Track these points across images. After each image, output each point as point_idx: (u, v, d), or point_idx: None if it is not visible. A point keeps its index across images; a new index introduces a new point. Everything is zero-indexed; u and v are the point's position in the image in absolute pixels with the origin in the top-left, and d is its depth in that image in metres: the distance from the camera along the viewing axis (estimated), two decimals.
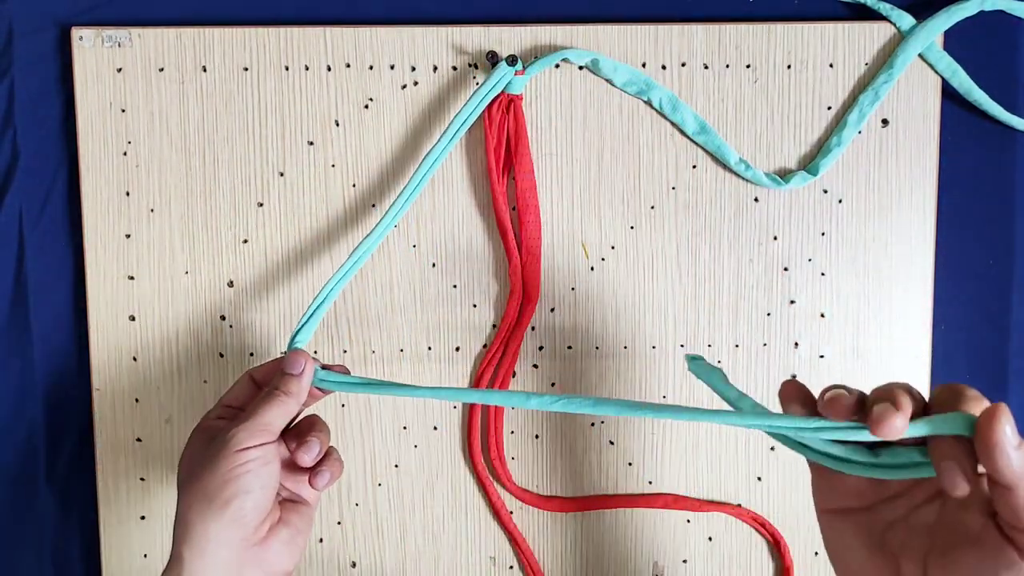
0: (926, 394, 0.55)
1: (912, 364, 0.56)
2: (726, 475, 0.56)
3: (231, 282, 0.55)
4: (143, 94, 0.54)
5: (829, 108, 0.54)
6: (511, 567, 0.57)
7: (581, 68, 0.54)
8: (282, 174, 0.54)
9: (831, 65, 0.54)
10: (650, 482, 0.56)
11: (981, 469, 0.33)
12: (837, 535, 0.39)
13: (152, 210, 0.54)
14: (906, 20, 0.53)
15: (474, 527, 0.57)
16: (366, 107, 0.54)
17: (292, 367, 0.46)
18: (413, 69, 0.54)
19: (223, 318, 0.55)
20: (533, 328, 0.55)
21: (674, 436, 0.56)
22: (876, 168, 0.55)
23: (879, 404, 0.34)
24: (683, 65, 0.54)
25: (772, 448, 0.56)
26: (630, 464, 0.56)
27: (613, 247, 0.55)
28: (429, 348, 0.55)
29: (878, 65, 0.54)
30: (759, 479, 0.56)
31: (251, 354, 0.55)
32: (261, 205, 0.54)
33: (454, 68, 0.54)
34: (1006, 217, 0.57)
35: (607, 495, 0.56)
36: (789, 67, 0.54)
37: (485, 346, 0.55)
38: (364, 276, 0.55)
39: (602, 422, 0.56)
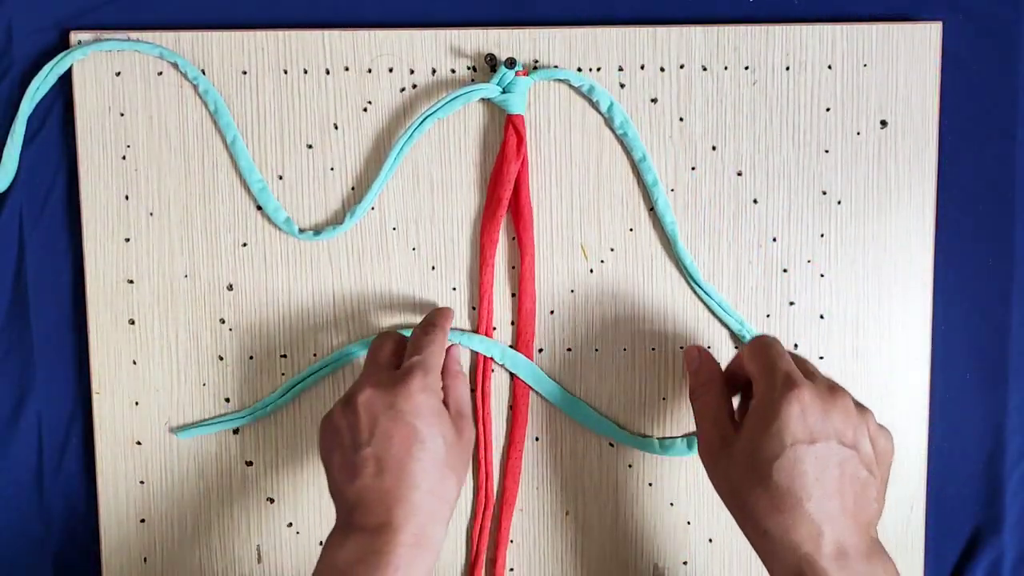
0: (924, 394, 0.55)
1: (912, 364, 0.56)
2: None
3: (230, 285, 0.55)
4: (142, 98, 0.54)
5: (828, 110, 0.54)
6: (511, 569, 0.57)
7: (579, 69, 0.54)
8: (281, 177, 0.54)
9: (830, 67, 0.54)
10: (650, 484, 0.56)
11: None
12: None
13: (151, 214, 0.54)
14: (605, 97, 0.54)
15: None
16: (365, 110, 0.54)
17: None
18: (412, 72, 0.54)
19: (222, 321, 0.55)
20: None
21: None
22: (875, 169, 0.55)
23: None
24: (681, 67, 0.54)
25: None
26: (630, 466, 0.56)
27: (612, 249, 0.55)
28: None
29: (877, 67, 0.54)
30: None
31: (251, 357, 0.55)
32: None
33: (453, 71, 0.54)
34: (1006, 217, 0.56)
35: None
36: (788, 69, 0.54)
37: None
38: (364, 276, 0.55)
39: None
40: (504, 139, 0.53)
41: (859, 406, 0.45)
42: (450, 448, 0.46)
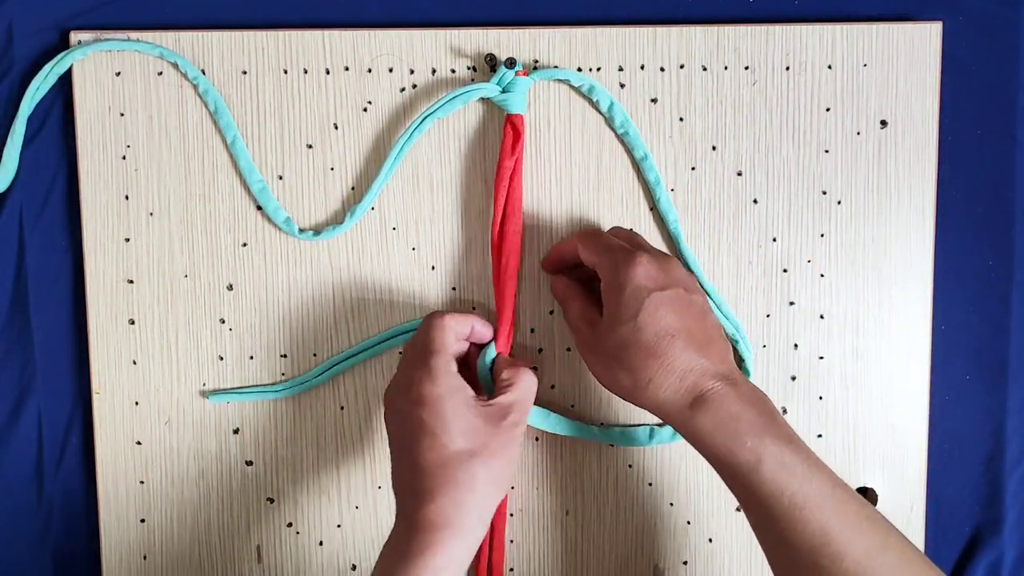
0: (924, 395, 0.55)
1: (912, 365, 0.56)
2: None
3: (230, 285, 0.55)
4: (142, 98, 0.54)
5: (828, 110, 0.54)
6: (511, 569, 0.57)
7: (579, 69, 0.54)
8: (281, 177, 0.54)
9: (829, 67, 0.54)
10: (650, 484, 0.56)
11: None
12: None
13: (151, 214, 0.54)
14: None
15: None
16: (365, 110, 0.54)
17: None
18: (412, 72, 0.54)
19: (222, 321, 0.55)
20: (533, 330, 0.55)
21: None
22: (875, 169, 0.55)
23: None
24: (681, 67, 0.54)
25: None
26: (630, 466, 0.56)
27: None
28: None
29: (877, 67, 0.54)
30: None
31: (251, 357, 0.55)
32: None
33: (453, 71, 0.54)
34: (1006, 217, 0.56)
35: None
36: (788, 69, 0.54)
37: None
38: (364, 276, 0.55)
39: (602, 424, 0.56)
40: (502, 138, 0.53)
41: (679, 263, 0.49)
42: (468, 435, 0.46)
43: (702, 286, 0.54)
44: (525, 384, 0.49)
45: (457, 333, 0.50)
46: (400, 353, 0.53)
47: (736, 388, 0.45)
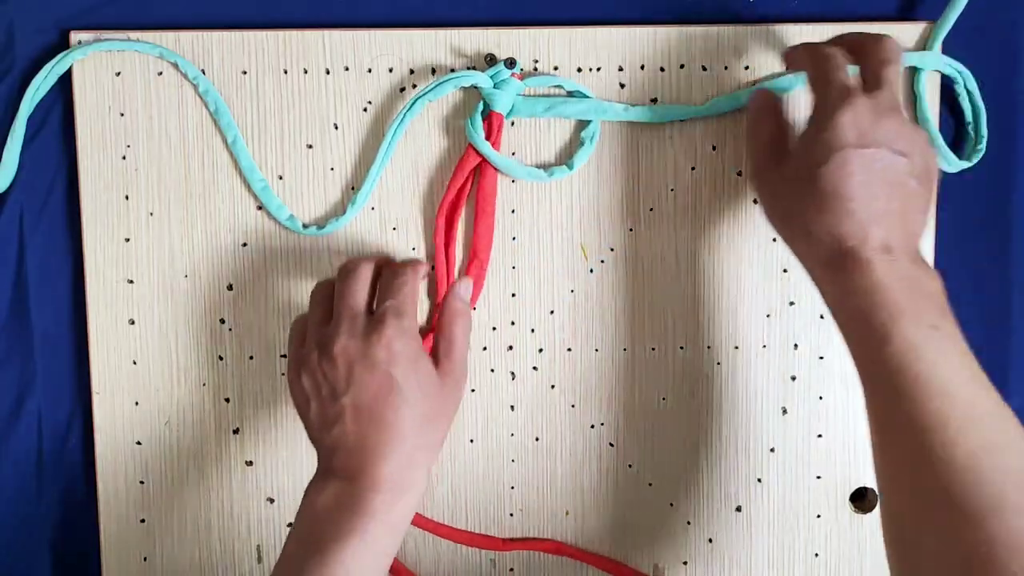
0: None
1: None
2: (726, 477, 0.56)
3: (230, 285, 0.55)
4: (142, 98, 0.54)
5: None
6: (511, 569, 0.57)
7: (579, 69, 0.54)
8: (281, 177, 0.54)
9: None
10: (650, 484, 0.56)
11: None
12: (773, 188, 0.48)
13: (151, 214, 0.54)
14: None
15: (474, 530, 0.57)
16: (365, 110, 0.54)
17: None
18: (411, 72, 0.54)
19: (222, 321, 0.55)
20: (533, 330, 0.55)
21: (674, 438, 0.56)
22: None
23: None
24: (681, 67, 0.54)
25: (772, 449, 0.56)
26: (630, 466, 0.56)
27: (612, 249, 0.55)
28: None
29: None
30: (759, 480, 0.56)
31: (251, 357, 0.55)
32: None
33: (452, 71, 0.54)
34: (1006, 217, 0.56)
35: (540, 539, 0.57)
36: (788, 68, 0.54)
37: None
38: None
39: (602, 424, 0.56)
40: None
41: (914, 122, 0.45)
42: (429, 397, 0.47)
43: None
44: (464, 335, 0.51)
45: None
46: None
47: (893, 264, 0.42)
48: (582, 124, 0.53)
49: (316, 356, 0.47)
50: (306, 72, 0.54)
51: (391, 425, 0.46)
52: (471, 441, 0.56)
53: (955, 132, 0.56)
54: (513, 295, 0.55)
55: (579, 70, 0.54)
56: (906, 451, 0.40)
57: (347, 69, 0.54)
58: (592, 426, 0.56)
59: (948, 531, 0.38)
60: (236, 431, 0.56)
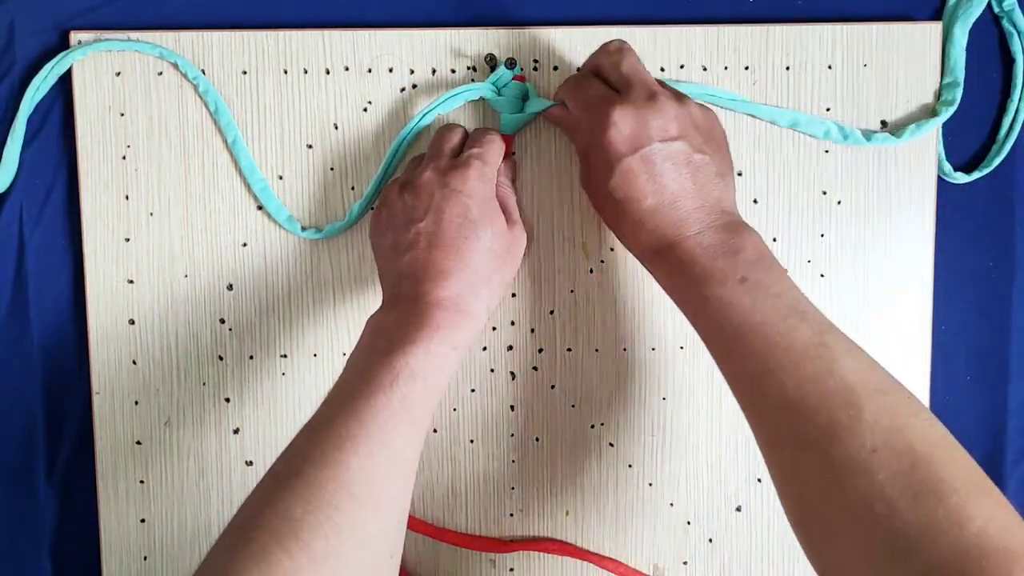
0: (924, 395, 0.55)
1: (912, 365, 0.56)
2: (726, 477, 0.56)
3: (230, 285, 0.55)
4: (142, 98, 0.54)
5: (828, 110, 0.54)
6: (511, 569, 0.57)
7: (579, 69, 0.54)
8: (281, 177, 0.54)
9: (830, 67, 0.54)
10: (650, 484, 0.56)
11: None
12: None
13: (151, 214, 0.54)
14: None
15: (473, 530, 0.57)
16: (365, 110, 0.54)
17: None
18: (412, 72, 0.54)
19: (222, 321, 0.55)
20: (533, 330, 0.55)
21: (674, 438, 0.56)
22: (875, 169, 0.55)
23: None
24: (681, 67, 0.54)
25: None
26: (630, 466, 0.56)
27: (612, 249, 0.55)
28: None
29: (877, 67, 0.54)
30: (759, 480, 0.56)
31: (251, 357, 0.55)
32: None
33: (452, 71, 0.54)
34: (1006, 217, 0.56)
35: (541, 539, 0.57)
36: (788, 69, 0.54)
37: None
38: (364, 276, 0.55)
39: (602, 424, 0.56)
40: None
41: (678, 97, 0.47)
42: (499, 236, 0.48)
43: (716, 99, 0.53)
44: (516, 207, 0.51)
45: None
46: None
47: (697, 237, 0.45)
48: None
49: (399, 188, 0.49)
50: (306, 72, 0.54)
51: (461, 251, 0.46)
52: (471, 441, 0.56)
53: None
54: (513, 295, 0.55)
55: (579, 70, 0.54)
56: (752, 398, 0.43)
57: (347, 69, 0.54)
58: (592, 426, 0.56)
59: (797, 468, 0.40)
60: (236, 431, 0.56)
